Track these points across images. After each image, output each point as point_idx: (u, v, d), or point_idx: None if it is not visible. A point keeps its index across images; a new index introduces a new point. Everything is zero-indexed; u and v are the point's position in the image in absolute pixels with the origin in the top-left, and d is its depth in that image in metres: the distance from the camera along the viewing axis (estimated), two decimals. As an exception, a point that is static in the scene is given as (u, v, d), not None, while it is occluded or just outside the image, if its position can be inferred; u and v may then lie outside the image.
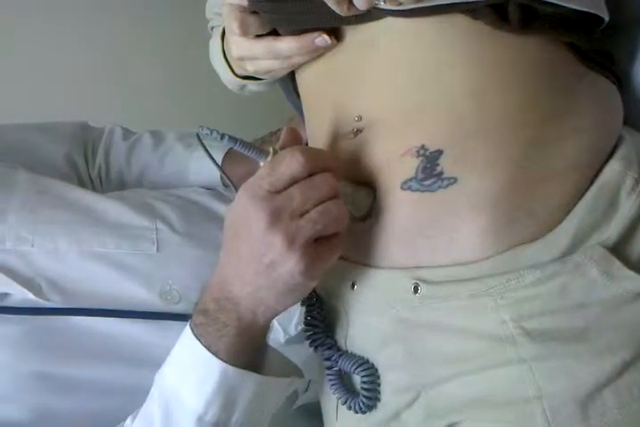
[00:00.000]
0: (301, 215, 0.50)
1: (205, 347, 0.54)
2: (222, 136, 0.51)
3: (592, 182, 0.51)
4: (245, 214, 0.50)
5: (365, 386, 0.57)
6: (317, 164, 0.51)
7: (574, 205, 0.50)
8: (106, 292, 0.73)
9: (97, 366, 0.71)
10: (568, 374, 0.48)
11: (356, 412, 0.58)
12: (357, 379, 0.59)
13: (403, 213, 0.52)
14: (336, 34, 0.55)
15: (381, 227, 0.54)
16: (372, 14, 0.51)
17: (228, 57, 0.67)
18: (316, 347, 0.60)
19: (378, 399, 0.58)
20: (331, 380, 0.60)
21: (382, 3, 0.49)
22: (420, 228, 0.52)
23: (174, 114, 1.52)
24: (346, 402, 0.58)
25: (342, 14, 0.50)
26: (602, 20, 0.53)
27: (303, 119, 0.64)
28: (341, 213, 0.51)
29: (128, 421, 0.60)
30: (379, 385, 0.57)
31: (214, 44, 0.69)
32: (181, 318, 0.68)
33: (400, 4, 0.49)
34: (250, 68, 0.61)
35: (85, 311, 0.72)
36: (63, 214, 0.77)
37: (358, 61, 0.54)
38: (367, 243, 0.55)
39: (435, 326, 0.52)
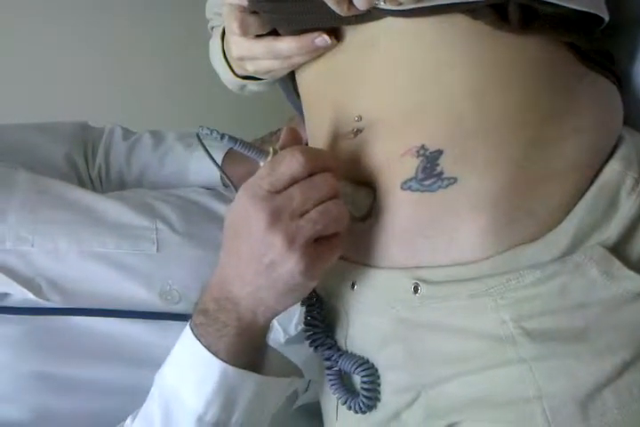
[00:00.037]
0: (301, 215, 0.50)
1: (205, 347, 0.54)
2: (222, 136, 0.51)
3: (592, 182, 0.51)
4: (245, 214, 0.50)
5: (365, 386, 0.57)
6: (317, 164, 0.51)
7: (574, 205, 0.50)
8: (106, 292, 0.73)
9: (97, 366, 0.71)
10: (568, 374, 0.48)
11: (356, 412, 0.58)
12: (357, 379, 0.59)
13: (403, 213, 0.52)
14: (336, 34, 0.55)
15: (381, 227, 0.54)
16: (372, 14, 0.51)
17: (227, 57, 0.67)
18: (315, 347, 0.60)
19: (378, 399, 0.58)
20: (331, 380, 0.60)
21: (382, 3, 0.49)
22: (419, 228, 0.52)
23: (174, 114, 1.52)
24: (346, 402, 0.58)
25: (342, 14, 0.50)
26: (602, 20, 0.53)
27: (303, 119, 0.64)
28: (341, 213, 0.51)
29: (128, 421, 0.60)
30: (379, 385, 0.57)
31: (214, 44, 0.69)
32: (181, 318, 0.68)
33: (400, 4, 0.49)
34: (250, 68, 0.61)
35: (85, 311, 0.72)
36: (63, 214, 0.77)
37: (358, 61, 0.54)
38: (367, 243, 0.55)
39: (435, 326, 0.52)
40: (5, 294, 0.71)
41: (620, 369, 0.48)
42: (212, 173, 0.93)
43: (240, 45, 0.59)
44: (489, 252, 0.50)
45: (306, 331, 0.61)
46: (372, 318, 0.57)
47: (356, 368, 0.57)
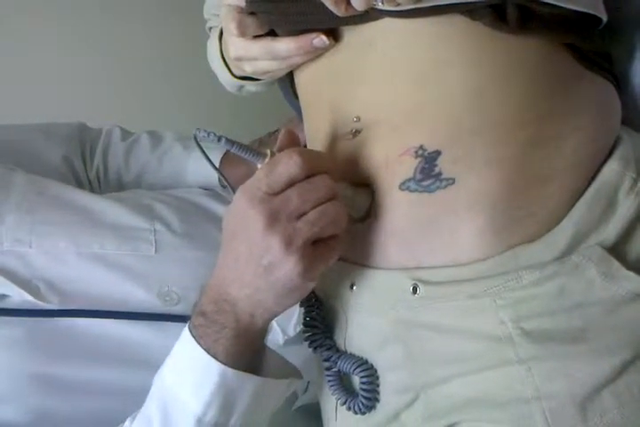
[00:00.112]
0: (299, 217, 0.50)
1: (204, 349, 0.54)
2: (219, 139, 0.51)
3: (590, 182, 0.51)
4: (243, 216, 0.50)
5: (364, 387, 0.57)
6: (315, 165, 0.51)
7: (573, 205, 0.50)
8: (104, 293, 0.73)
9: (96, 368, 0.71)
10: (567, 375, 0.48)
11: (356, 413, 0.58)
12: (356, 380, 0.59)
13: (401, 213, 0.52)
14: (334, 34, 0.55)
15: (380, 228, 0.54)
16: (370, 15, 0.51)
17: (225, 57, 0.67)
18: (315, 348, 0.60)
19: (377, 400, 0.58)
20: (330, 381, 0.60)
21: (380, 3, 0.49)
22: (418, 228, 0.52)
23: (174, 114, 1.52)
24: (345, 403, 0.58)
25: (340, 15, 0.50)
26: (600, 20, 0.53)
27: (301, 120, 0.64)
28: (339, 215, 0.51)
29: (127, 422, 0.60)
30: (378, 386, 0.57)
31: (212, 45, 0.69)
32: (180, 319, 0.68)
33: (398, 4, 0.49)
34: (248, 69, 0.61)
35: (84, 313, 0.72)
36: (61, 215, 0.77)
37: (356, 62, 0.54)
38: (366, 244, 0.55)
39: (434, 327, 0.52)
40: (3, 296, 0.71)
41: (619, 370, 0.48)
42: (210, 174, 0.92)
43: (238, 46, 0.59)
44: (488, 252, 0.50)
45: (305, 332, 0.60)
46: (371, 318, 0.57)
47: (355, 369, 0.57)
